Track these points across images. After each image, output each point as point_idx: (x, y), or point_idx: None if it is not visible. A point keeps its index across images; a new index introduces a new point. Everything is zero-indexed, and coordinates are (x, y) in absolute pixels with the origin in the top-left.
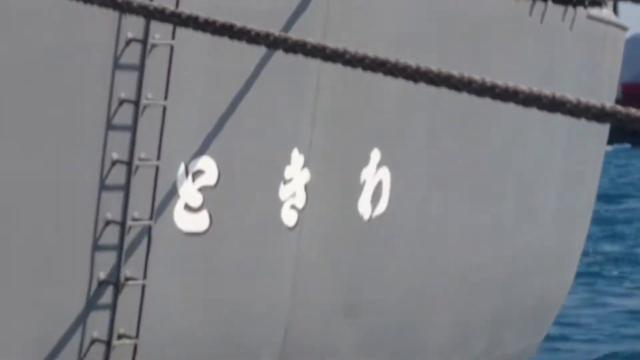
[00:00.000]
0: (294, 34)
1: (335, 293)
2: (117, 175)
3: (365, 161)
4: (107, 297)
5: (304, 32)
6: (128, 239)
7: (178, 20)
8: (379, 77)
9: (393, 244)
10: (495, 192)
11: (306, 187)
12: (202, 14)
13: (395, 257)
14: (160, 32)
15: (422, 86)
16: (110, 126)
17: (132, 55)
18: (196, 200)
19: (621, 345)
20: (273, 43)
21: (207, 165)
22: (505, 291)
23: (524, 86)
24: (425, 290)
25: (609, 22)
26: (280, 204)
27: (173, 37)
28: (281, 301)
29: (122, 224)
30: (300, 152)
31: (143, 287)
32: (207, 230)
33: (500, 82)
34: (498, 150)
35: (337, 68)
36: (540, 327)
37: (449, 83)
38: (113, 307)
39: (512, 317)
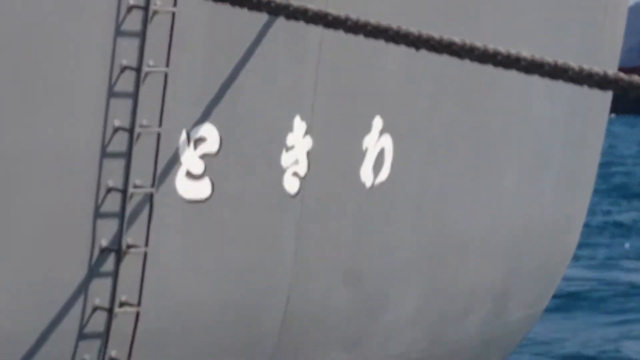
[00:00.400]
0: (295, 1)
1: (337, 260)
2: (119, 142)
3: (367, 128)
4: (109, 265)
5: None
6: (130, 207)
7: None
8: (381, 44)
9: (395, 211)
10: (498, 159)
11: (308, 154)
12: None
13: (397, 224)
14: None
15: (424, 53)
16: (111, 93)
17: (133, 22)
18: (198, 167)
19: (626, 319)
20: (275, 10)
21: (209, 133)
22: (507, 259)
23: (526, 53)
24: (427, 258)
25: None
26: (282, 171)
27: (175, 4)
28: (283, 269)
29: (124, 191)
30: (302, 119)
31: (145, 254)
32: (208, 198)
33: (502, 49)
34: (500, 117)
35: (339, 35)
36: (542, 296)
37: (450, 50)
38: (115, 274)
39: (514, 285)
